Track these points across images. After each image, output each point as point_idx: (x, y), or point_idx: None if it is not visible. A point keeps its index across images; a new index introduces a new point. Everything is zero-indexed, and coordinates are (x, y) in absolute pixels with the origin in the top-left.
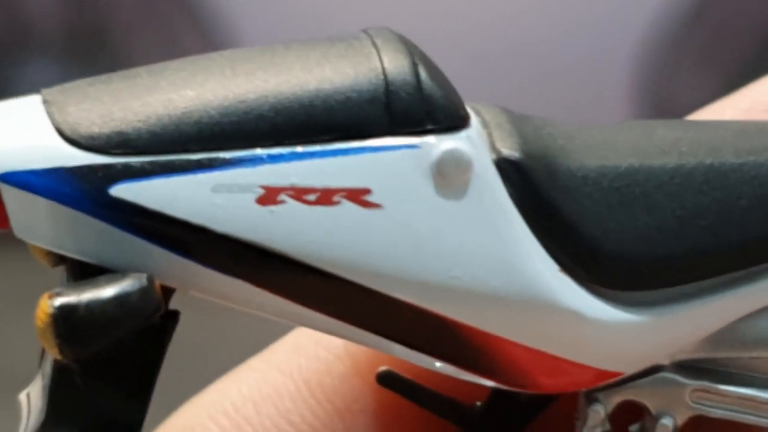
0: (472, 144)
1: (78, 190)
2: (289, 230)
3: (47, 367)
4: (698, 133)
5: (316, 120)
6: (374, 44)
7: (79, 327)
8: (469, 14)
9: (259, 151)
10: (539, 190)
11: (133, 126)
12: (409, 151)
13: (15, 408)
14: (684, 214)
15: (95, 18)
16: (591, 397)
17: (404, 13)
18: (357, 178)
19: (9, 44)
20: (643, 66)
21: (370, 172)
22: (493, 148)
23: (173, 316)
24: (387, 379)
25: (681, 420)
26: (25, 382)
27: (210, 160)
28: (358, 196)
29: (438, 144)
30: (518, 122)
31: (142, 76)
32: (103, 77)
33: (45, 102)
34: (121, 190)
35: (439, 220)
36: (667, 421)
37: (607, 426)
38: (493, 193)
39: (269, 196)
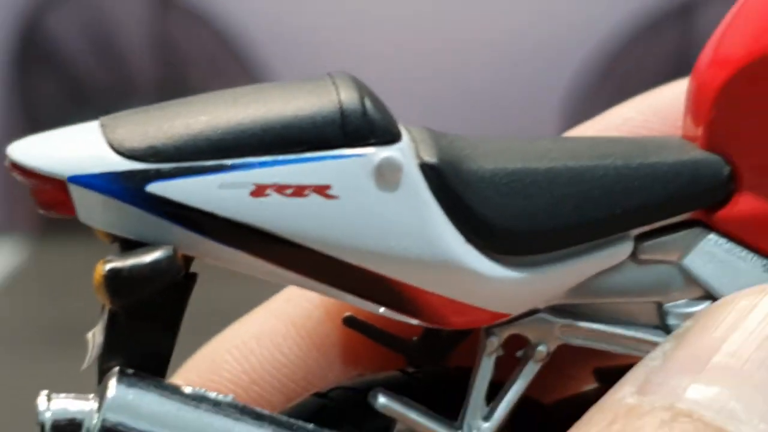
0: (403, 153)
1: (123, 187)
2: (273, 215)
3: (104, 314)
4: (564, 144)
5: (292, 136)
6: (334, 83)
7: (123, 284)
8: (429, 59)
9: (251, 159)
10: (450, 185)
11: (163, 141)
12: (358, 158)
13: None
14: (553, 201)
15: (177, 72)
16: (489, 332)
17: (373, 58)
18: (321, 178)
19: (116, 90)
20: (568, 104)
21: (331, 173)
22: (418, 155)
23: (192, 277)
24: (350, 322)
25: (552, 347)
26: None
27: (217, 165)
28: (322, 190)
29: (378, 153)
30: (436, 137)
31: (171, 106)
32: (144, 107)
33: (101, 125)
34: (154, 188)
35: (379, 207)
36: (542, 348)
37: (501, 352)
38: (417, 187)
39: (259, 191)
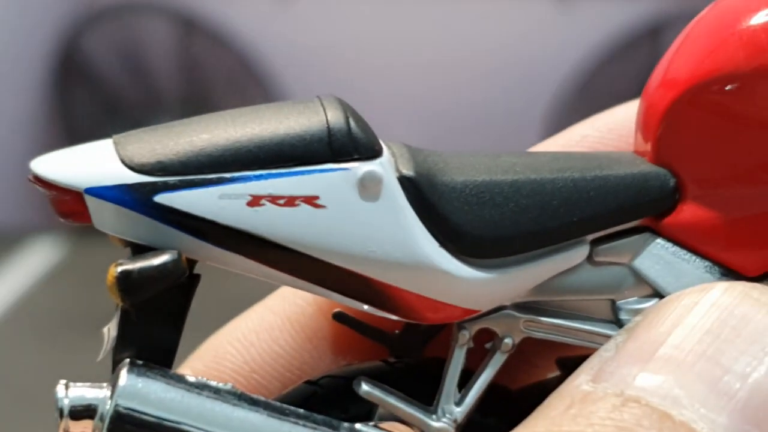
0: (384, 167)
1: (134, 198)
2: (267, 223)
3: (117, 311)
4: (527, 159)
5: (284, 152)
6: (322, 105)
7: (133, 284)
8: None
9: (248, 173)
10: (424, 195)
11: (169, 157)
12: (343, 171)
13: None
14: (517, 210)
15: (200, 89)
16: (460, 326)
17: (373, 76)
18: (310, 189)
19: (145, 105)
20: (548, 120)
21: (319, 186)
22: (397, 169)
23: (196, 278)
24: (339, 317)
25: (517, 339)
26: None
27: (217, 178)
28: (311, 200)
29: (361, 167)
30: (413, 153)
31: (176, 126)
32: (153, 127)
33: (114, 143)
34: (161, 198)
35: (362, 216)
36: (508, 341)
37: (471, 344)
38: (396, 197)
39: (254, 201)
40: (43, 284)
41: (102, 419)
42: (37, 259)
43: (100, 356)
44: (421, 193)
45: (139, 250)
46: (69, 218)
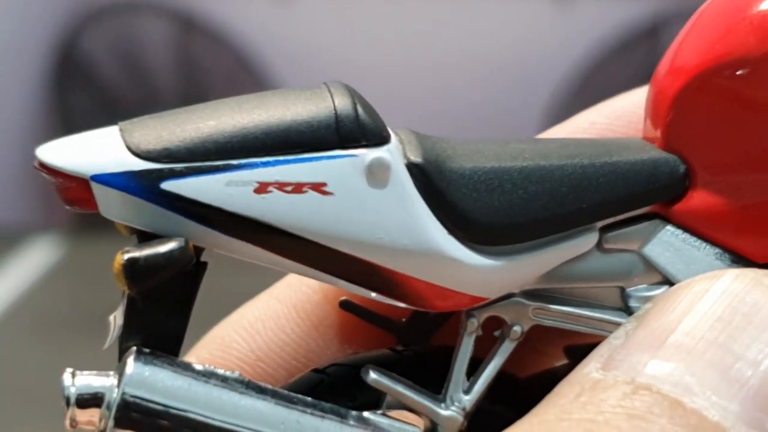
0: (391, 153)
1: (140, 185)
2: (274, 210)
3: (124, 299)
4: (536, 146)
5: (291, 138)
6: (329, 91)
7: (140, 272)
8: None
9: (255, 160)
10: (433, 182)
11: (175, 144)
12: (351, 158)
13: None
14: (526, 196)
15: (198, 87)
16: (469, 314)
17: (374, 73)
18: (318, 176)
19: (144, 105)
20: (547, 118)
21: (326, 172)
22: (405, 156)
23: (203, 265)
24: (346, 305)
25: (526, 327)
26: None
27: (224, 165)
28: (318, 187)
29: (369, 154)
30: (422, 139)
31: (182, 113)
32: (158, 114)
33: (120, 130)
34: (168, 185)
35: (370, 202)
36: (517, 328)
37: (480, 332)
38: (404, 184)
39: (262, 188)
40: (43, 284)
41: (109, 407)
42: (36, 258)
43: (106, 344)
44: (430, 179)
45: (146, 237)
46: (75, 205)
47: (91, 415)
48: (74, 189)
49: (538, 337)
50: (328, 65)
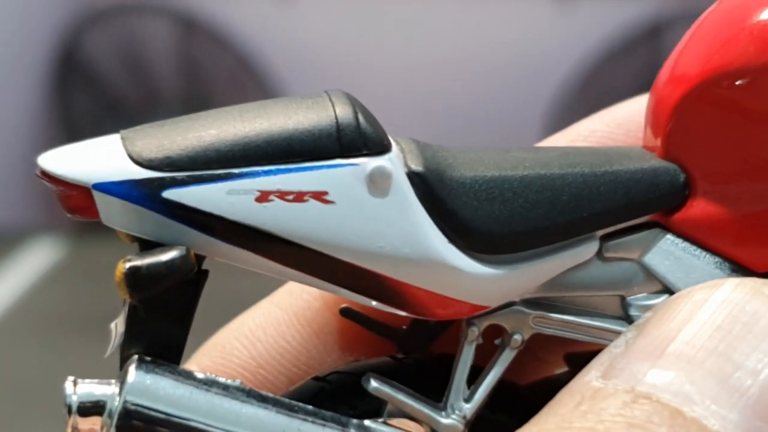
0: (392, 162)
1: (142, 193)
2: (276, 218)
3: (125, 307)
4: (537, 154)
5: (292, 147)
6: (330, 100)
7: (141, 280)
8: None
9: (256, 168)
10: (434, 191)
11: (177, 153)
12: (352, 167)
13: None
14: (527, 205)
15: (200, 88)
16: (470, 322)
17: (374, 75)
18: (319, 185)
19: (145, 106)
20: (548, 118)
21: (328, 181)
22: (406, 164)
23: (204, 273)
24: (347, 312)
25: (527, 336)
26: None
27: (226, 174)
28: (319, 196)
29: (370, 163)
30: (422, 148)
31: (184, 121)
32: (159, 122)
33: (122, 138)
34: (169, 194)
35: (371, 211)
36: (518, 337)
37: (480, 340)
38: (405, 193)
39: (263, 197)
40: (43, 284)
41: (110, 416)
42: (37, 259)
43: (108, 352)
44: (430, 188)
45: (147, 245)
46: (76, 214)
47: (93, 423)
48: (76, 197)
49: (538, 344)
50: (329, 66)
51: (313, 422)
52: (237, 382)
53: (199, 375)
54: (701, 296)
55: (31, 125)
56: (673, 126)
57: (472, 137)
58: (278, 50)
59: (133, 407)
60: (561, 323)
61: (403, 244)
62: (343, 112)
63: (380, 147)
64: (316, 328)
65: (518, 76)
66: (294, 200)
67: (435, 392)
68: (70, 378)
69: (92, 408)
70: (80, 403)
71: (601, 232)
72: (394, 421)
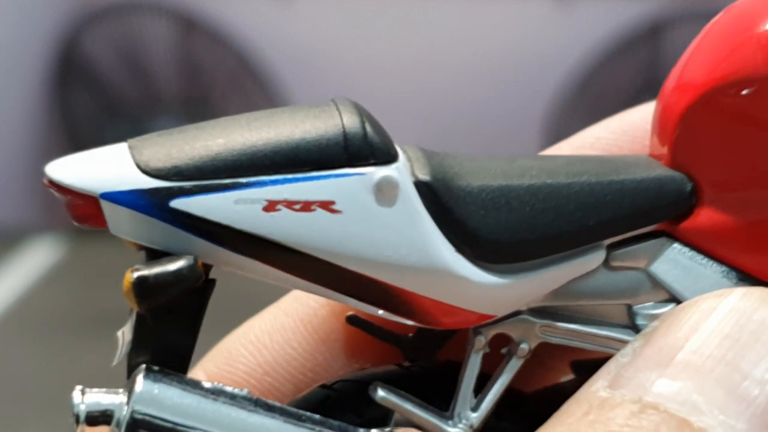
0: (400, 171)
1: (150, 203)
2: (283, 228)
3: (132, 315)
4: (543, 163)
5: (300, 157)
6: (338, 109)
7: (149, 290)
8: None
9: (263, 178)
10: (441, 200)
11: (184, 162)
12: (359, 176)
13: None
14: (533, 214)
15: (201, 89)
16: (476, 331)
17: (373, 77)
18: (326, 194)
19: (145, 106)
20: (548, 118)
21: (335, 190)
22: (413, 173)
23: (212, 282)
24: (353, 320)
25: (533, 344)
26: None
27: (233, 183)
28: (327, 205)
29: (377, 172)
30: (429, 157)
31: (191, 130)
32: (168, 131)
33: (129, 147)
34: (177, 203)
35: (378, 221)
36: (524, 346)
37: (487, 349)
38: (412, 202)
39: (270, 206)
40: (44, 284)
41: (118, 425)
42: (37, 258)
43: (115, 361)
44: (438, 197)
45: (155, 254)
46: (84, 222)
47: None
48: (83, 206)
49: (543, 351)
50: (328, 65)
51: (320, 431)
52: (244, 392)
53: (207, 384)
54: (708, 305)
55: (31, 125)
56: (679, 134)
57: (472, 137)
58: (278, 50)
59: (140, 417)
60: (568, 332)
61: (410, 253)
62: (350, 121)
63: (387, 156)
64: (322, 335)
65: (518, 75)
66: (301, 209)
67: (441, 400)
68: (78, 387)
69: (100, 417)
70: (88, 412)
71: (607, 241)
72: (401, 430)
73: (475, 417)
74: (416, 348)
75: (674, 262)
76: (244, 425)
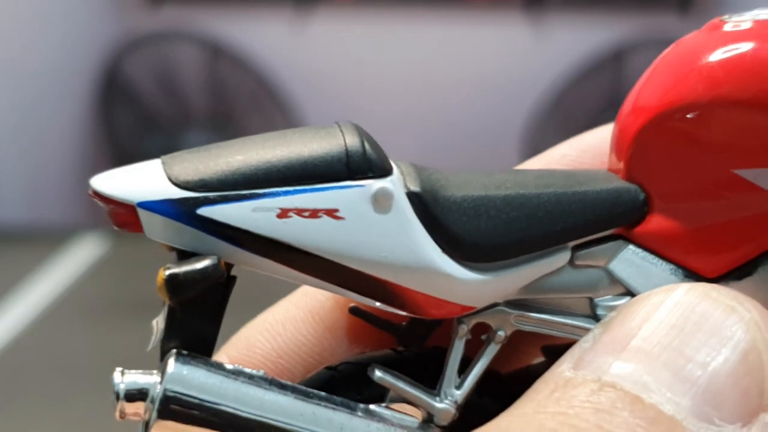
0: (394, 184)
1: (179, 211)
2: (294, 232)
3: (165, 308)
4: (516, 177)
5: (308, 171)
6: (341, 130)
7: (179, 285)
8: (417, 106)
9: (277, 189)
10: (429, 209)
11: (209, 176)
12: (359, 188)
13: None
14: (508, 220)
15: (225, 107)
16: (460, 321)
17: (374, 96)
18: (331, 203)
19: (178, 121)
20: (525, 132)
21: (338, 200)
22: (406, 185)
23: (233, 279)
24: (355, 311)
25: (509, 332)
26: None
27: (251, 194)
28: (331, 213)
29: (375, 184)
30: (419, 171)
31: (215, 148)
32: (195, 148)
33: (162, 163)
34: (203, 211)
35: (375, 226)
36: (501, 333)
37: (469, 336)
38: (405, 210)
39: (283, 214)
40: (89, 276)
41: (153, 401)
42: (83, 254)
43: (150, 346)
44: (426, 206)
45: (184, 255)
46: (123, 228)
47: (137, 407)
48: (123, 214)
49: (518, 338)
50: (335, 85)
51: (326, 406)
52: (261, 372)
53: (228, 366)
54: (658, 299)
55: (79, 137)
56: (633, 152)
57: (459, 149)
58: (293, 72)
59: (172, 394)
60: (538, 321)
61: (403, 254)
62: (352, 141)
63: (383, 170)
64: (328, 324)
65: (499, 95)
66: (309, 216)
67: (430, 380)
68: (118, 369)
69: (137, 395)
70: (127, 390)
71: (572, 243)
72: (395, 406)
73: (459, 394)
74: (409, 335)
75: (629, 261)
76: (261, 401)
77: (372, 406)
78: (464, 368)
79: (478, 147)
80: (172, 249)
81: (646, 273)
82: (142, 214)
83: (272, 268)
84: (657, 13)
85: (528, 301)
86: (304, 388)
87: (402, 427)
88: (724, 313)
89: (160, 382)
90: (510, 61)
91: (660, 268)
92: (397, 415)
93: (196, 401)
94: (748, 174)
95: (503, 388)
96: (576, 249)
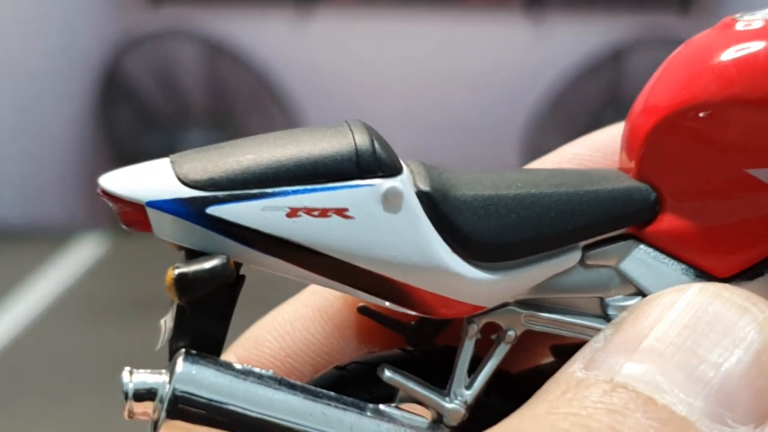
0: (404, 183)
1: (189, 210)
2: (303, 231)
3: (173, 306)
4: (527, 175)
5: (318, 170)
6: (350, 129)
7: (188, 285)
8: (418, 107)
9: (287, 188)
10: (439, 208)
11: (219, 175)
12: (369, 187)
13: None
14: (519, 220)
15: (225, 105)
16: (470, 320)
17: (376, 95)
18: (340, 202)
19: (177, 119)
20: (526, 130)
21: (348, 199)
22: (415, 184)
23: (242, 278)
24: (364, 310)
25: (519, 332)
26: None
27: (260, 193)
28: (341, 212)
29: (384, 183)
30: (429, 170)
31: (224, 147)
32: (204, 147)
33: (171, 162)
34: (212, 210)
35: (385, 225)
36: (511, 333)
37: (479, 336)
38: (414, 209)
39: (293, 213)
40: (89, 275)
41: (161, 401)
42: (84, 253)
43: (158, 345)
44: (436, 205)
45: (193, 254)
46: (132, 227)
47: (146, 407)
48: (132, 213)
49: (529, 338)
50: (335, 83)
51: (335, 407)
52: (270, 372)
53: (237, 366)
54: (670, 299)
55: (79, 135)
56: (645, 151)
57: (461, 147)
58: (292, 70)
59: (181, 394)
60: (549, 321)
61: (412, 253)
62: (361, 140)
63: (393, 170)
64: (337, 324)
65: (501, 93)
66: (319, 216)
67: (439, 379)
68: (127, 368)
69: (146, 394)
70: (135, 390)
71: (583, 243)
72: (405, 406)
73: (469, 394)
74: (418, 335)
75: (640, 261)
76: (270, 401)
77: (381, 406)
78: (474, 368)
79: (477, 145)
80: (181, 248)
81: (658, 273)
82: (151, 213)
83: (281, 267)
84: (657, 12)
85: (538, 300)
86: (313, 387)
87: (412, 427)
88: (737, 313)
89: (169, 382)
90: (510, 60)
91: (671, 267)
92: (407, 415)
93: (205, 401)
94: (761, 174)
95: (513, 388)
96: (587, 248)
